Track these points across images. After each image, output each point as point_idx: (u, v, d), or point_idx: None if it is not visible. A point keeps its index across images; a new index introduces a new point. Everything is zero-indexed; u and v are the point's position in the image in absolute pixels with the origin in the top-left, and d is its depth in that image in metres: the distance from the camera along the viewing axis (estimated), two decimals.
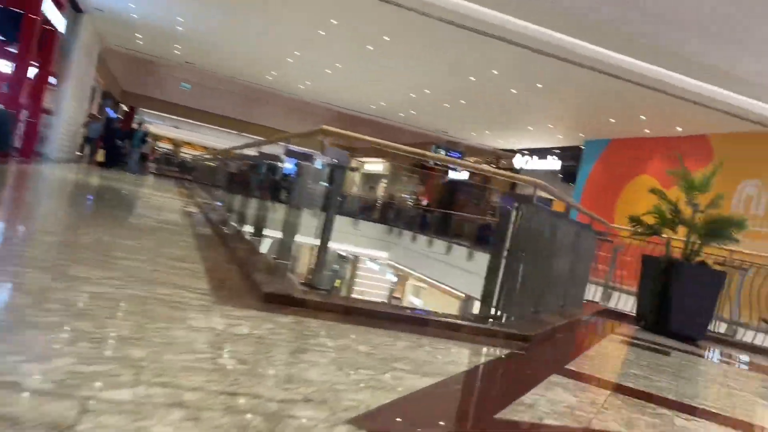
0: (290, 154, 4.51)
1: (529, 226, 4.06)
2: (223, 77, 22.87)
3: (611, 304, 7.71)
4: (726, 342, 6.20)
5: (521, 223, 3.93)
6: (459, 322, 3.57)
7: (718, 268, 6.14)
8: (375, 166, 30.47)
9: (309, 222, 4.06)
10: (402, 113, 21.41)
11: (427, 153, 4.48)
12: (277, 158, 5.55)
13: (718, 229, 5.78)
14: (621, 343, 4.60)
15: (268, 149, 6.46)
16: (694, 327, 5.80)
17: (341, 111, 23.52)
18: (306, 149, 4.36)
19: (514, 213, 3.96)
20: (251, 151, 7.41)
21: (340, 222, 20.07)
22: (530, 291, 4.48)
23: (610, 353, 3.96)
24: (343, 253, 25.97)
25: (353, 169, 30.41)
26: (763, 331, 6.74)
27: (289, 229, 4.41)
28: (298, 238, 4.19)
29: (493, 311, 3.93)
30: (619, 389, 2.90)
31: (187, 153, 36.14)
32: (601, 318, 6.35)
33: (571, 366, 3.23)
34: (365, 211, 21.75)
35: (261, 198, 6.03)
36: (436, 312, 3.72)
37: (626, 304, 8.90)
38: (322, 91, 21.35)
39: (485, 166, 4.21)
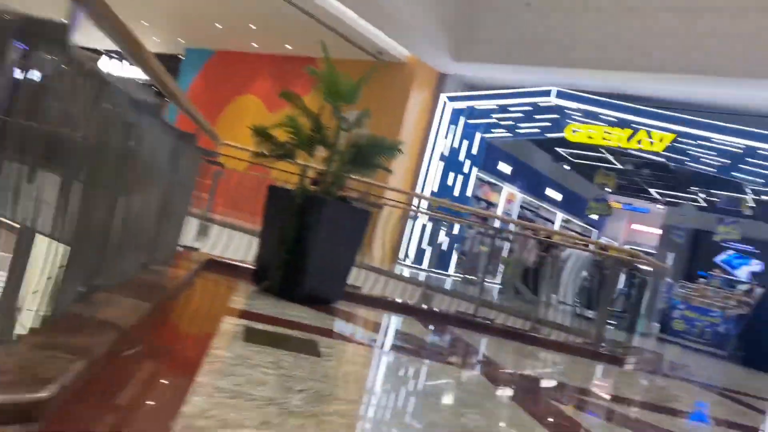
0: None
1: (69, 110, 1.63)
2: None
3: (209, 247, 5.78)
4: (358, 297, 4.95)
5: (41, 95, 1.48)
6: None
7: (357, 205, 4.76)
8: None
9: None
10: None
11: None
12: None
13: (367, 154, 4.32)
14: (244, 347, 2.61)
15: None
16: (333, 285, 4.30)
17: None
18: None
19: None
20: None
21: None
22: (77, 256, 2.08)
23: (225, 404, 1.91)
24: None
25: None
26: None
27: None
28: None
29: None
30: None
31: None
32: (206, 280, 4.32)
33: None
34: None
35: None
36: None
37: (230, 243, 7.13)
38: None
39: None
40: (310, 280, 4.04)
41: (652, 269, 7.62)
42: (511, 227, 10.67)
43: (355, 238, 4.38)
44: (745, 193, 13.66)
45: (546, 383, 3.96)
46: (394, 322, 4.75)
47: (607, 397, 4.15)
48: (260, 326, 3.05)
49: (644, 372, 5.70)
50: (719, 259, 17.04)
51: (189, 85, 16.68)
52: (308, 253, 4.00)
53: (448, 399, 2.62)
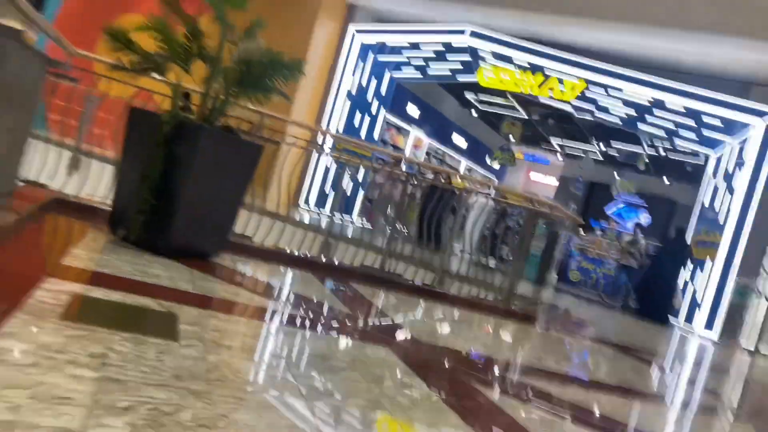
0: None
1: None
2: None
3: (82, 187, 4.74)
4: (246, 249, 4.17)
5: None
6: None
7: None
8: None
9: None
10: None
11: None
12: None
13: (260, 74, 3.47)
14: (58, 330, 1.80)
15: None
16: (213, 234, 3.49)
17: None
18: None
19: None
20: None
21: None
22: None
23: None
24: None
25: None
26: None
27: None
28: None
29: None
30: None
31: None
32: (44, 226, 3.38)
33: None
34: None
35: None
36: None
37: (102, 179, 6.06)
38: None
39: None
40: (181, 228, 3.22)
41: (565, 221, 7.36)
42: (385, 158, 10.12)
43: (241, 178, 3.58)
44: (643, 148, 13.96)
45: (463, 355, 3.44)
46: (288, 282, 4.03)
47: (525, 366, 3.73)
48: (99, 293, 2.24)
49: (558, 331, 5.42)
50: (610, 211, 17.61)
51: (62, 2, 14.52)
52: (178, 193, 3.17)
53: (350, 400, 1.98)
